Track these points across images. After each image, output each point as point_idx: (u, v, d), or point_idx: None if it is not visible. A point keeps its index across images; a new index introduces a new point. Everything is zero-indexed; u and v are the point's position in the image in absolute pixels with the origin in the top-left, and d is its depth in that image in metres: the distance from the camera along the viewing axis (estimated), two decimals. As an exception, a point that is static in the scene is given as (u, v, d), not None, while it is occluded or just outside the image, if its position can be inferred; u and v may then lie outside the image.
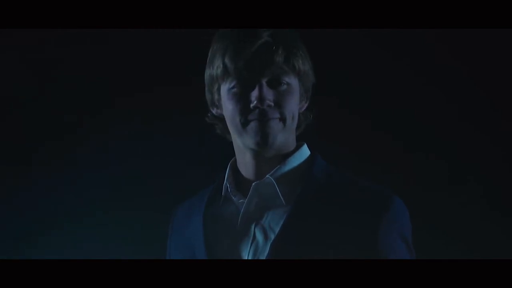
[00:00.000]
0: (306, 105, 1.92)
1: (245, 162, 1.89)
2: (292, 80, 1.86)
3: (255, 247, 1.81)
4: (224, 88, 1.88)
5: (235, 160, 1.94)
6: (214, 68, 1.89)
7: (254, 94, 1.84)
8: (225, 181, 1.93)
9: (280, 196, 1.85)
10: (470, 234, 2.62)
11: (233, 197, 1.90)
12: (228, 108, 1.87)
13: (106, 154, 2.81)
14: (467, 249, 2.60)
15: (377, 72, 2.66)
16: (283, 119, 1.85)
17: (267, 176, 1.87)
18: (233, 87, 1.86)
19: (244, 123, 1.85)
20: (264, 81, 1.85)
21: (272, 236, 1.80)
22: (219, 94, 1.91)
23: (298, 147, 1.92)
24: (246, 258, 1.81)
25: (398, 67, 2.66)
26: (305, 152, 1.93)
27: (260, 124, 1.84)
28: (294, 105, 1.87)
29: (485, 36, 2.54)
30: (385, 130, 2.66)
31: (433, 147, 2.67)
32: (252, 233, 1.83)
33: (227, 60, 1.86)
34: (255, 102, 1.84)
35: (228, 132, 1.93)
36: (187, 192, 2.08)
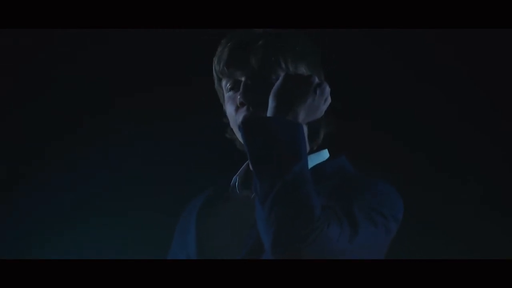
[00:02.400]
0: None
1: None
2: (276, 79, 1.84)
3: (255, 239, 1.81)
4: (225, 94, 1.90)
5: None
6: (213, 78, 1.92)
7: (239, 92, 1.85)
8: (236, 175, 1.93)
9: None
10: (470, 234, 2.62)
11: (238, 189, 1.90)
12: (228, 112, 1.89)
13: (106, 154, 2.81)
14: (467, 249, 2.60)
15: (377, 72, 2.66)
16: None
17: None
18: (228, 90, 1.88)
19: (238, 125, 1.85)
20: (248, 79, 1.85)
21: None
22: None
23: (315, 150, 1.91)
24: (244, 251, 1.81)
25: (398, 67, 2.66)
26: (323, 154, 1.92)
27: None
28: None
29: (485, 36, 2.54)
30: (385, 130, 2.66)
31: (433, 147, 2.67)
32: (253, 224, 1.83)
33: (215, 65, 1.88)
34: (239, 99, 1.84)
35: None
36: (188, 192, 2.08)
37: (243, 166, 1.96)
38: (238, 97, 1.85)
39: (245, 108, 1.85)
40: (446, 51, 2.64)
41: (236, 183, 1.93)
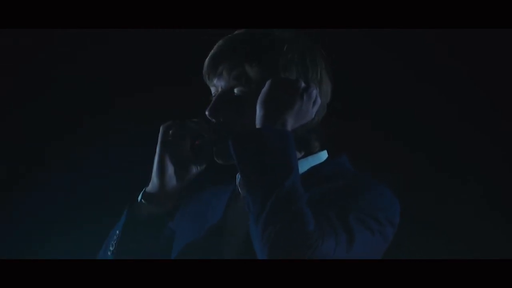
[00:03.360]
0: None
1: None
2: (247, 90, 1.83)
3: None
4: None
5: None
6: None
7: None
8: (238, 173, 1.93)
9: None
10: (470, 234, 2.63)
11: (239, 187, 1.90)
12: None
13: (106, 154, 2.81)
14: (467, 249, 2.60)
15: (377, 72, 2.66)
16: None
17: None
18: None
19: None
20: (217, 96, 1.85)
21: None
22: None
23: (311, 152, 1.89)
24: (240, 248, 1.82)
25: (398, 67, 2.66)
26: (321, 156, 1.89)
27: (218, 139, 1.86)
28: (246, 119, 1.81)
29: (485, 36, 2.54)
30: (385, 130, 2.66)
31: (433, 147, 2.67)
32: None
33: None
34: (206, 114, 1.85)
35: None
36: (189, 192, 2.08)
37: None
38: (206, 112, 1.85)
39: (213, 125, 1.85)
40: (446, 51, 2.64)
41: (238, 182, 1.93)
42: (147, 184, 1.95)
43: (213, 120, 1.85)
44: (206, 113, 1.85)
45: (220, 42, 1.88)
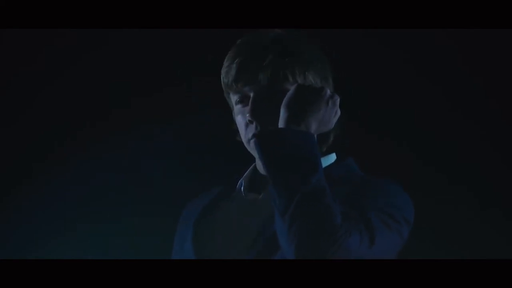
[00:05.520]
0: None
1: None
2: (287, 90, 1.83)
3: (264, 241, 1.81)
4: (234, 106, 1.89)
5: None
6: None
7: (248, 109, 1.85)
8: (241, 179, 1.93)
9: None
10: (470, 234, 2.63)
11: (244, 193, 1.90)
12: (237, 123, 1.89)
13: (107, 156, 2.81)
14: (466, 249, 2.60)
15: (377, 72, 2.66)
16: None
17: None
18: (237, 103, 1.87)
19: (248, 140, 1.86)
20: (256, 96, 1.84)
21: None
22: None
23: (324, 153, 1.91)
24: (253, 252, 1.82)
25: (399, 67, 2.66)
26: (330, 158, 1.92)
27: None
28: None
29: (485, 36, 2.54)
30: (385, 131, 2.66)
31: (433, 147, 2.67)
32: (262, 228, 1.83)
33: (223, 78, 1.88)
34: (247, 117, 1.84)
35: None
36: (190, 195, 2.08)
37: (248, 170, 1.96)
38: (247, 114, 1.84)
39: (254, 125, 1.84)
40: (447, 51, 2.64)
41: (242, 187, 1.93)
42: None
43: (254, 121, 1.84)
44: (248, 115, 1.84)
45: (246, 48, 1.86)
